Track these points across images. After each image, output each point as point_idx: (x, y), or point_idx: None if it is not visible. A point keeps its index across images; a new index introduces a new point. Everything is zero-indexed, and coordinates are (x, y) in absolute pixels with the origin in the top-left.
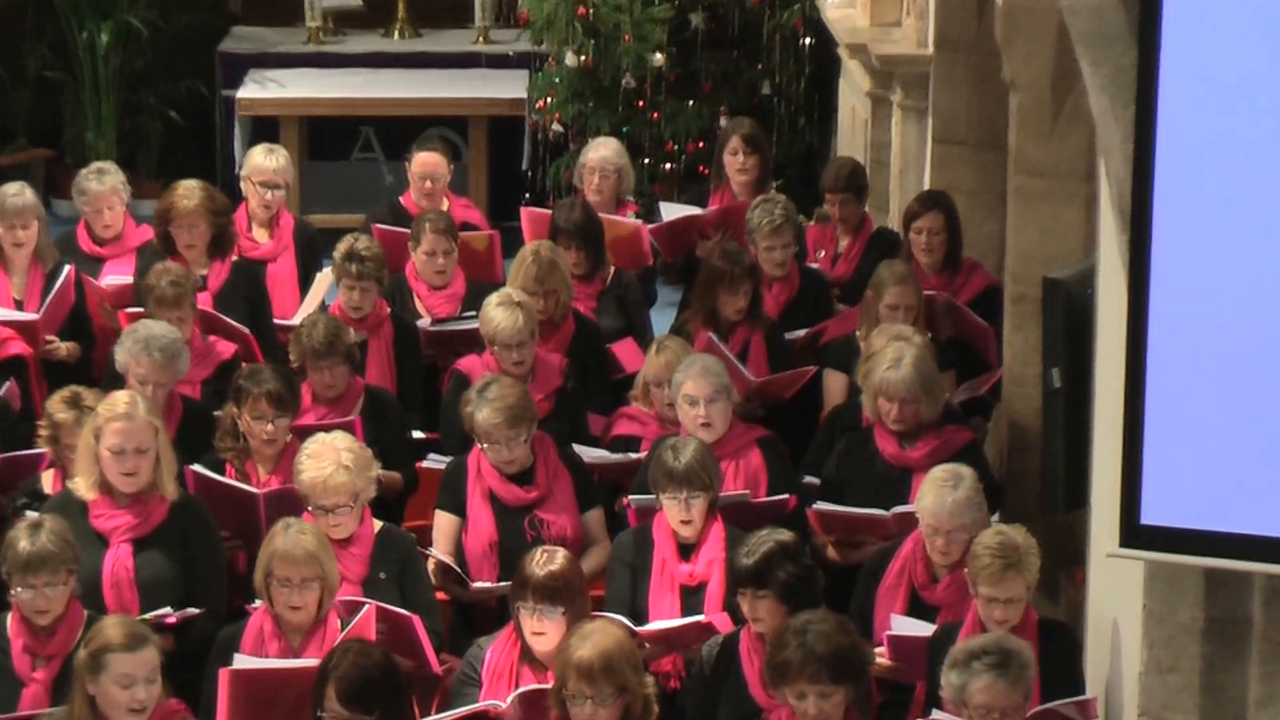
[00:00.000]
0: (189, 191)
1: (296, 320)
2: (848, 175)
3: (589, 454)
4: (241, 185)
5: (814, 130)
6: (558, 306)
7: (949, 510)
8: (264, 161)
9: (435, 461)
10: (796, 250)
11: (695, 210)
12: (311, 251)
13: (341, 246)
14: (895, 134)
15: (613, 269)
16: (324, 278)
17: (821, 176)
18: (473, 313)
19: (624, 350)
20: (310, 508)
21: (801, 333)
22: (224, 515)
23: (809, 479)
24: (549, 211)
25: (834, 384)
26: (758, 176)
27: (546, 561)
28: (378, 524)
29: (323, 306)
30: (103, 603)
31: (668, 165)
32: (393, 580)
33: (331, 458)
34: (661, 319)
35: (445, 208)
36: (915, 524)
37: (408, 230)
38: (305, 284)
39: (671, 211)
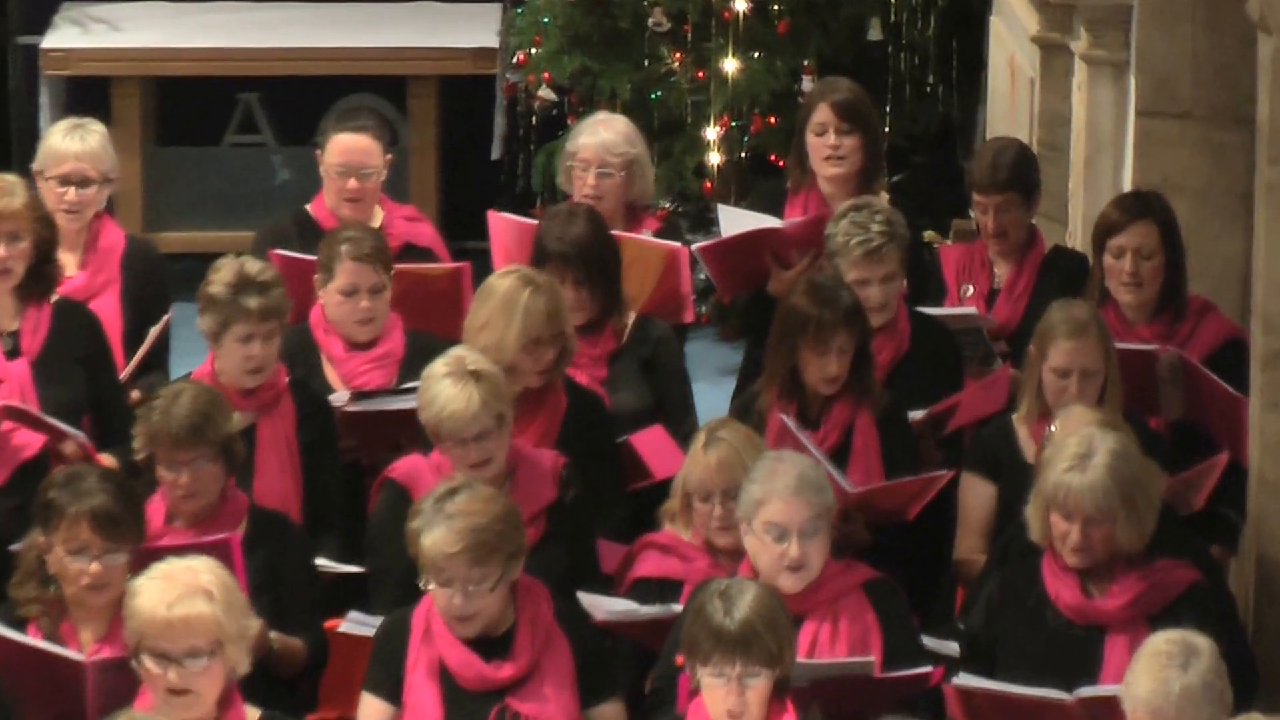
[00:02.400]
0: (7, 187)
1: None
2: (1009, 167)
3: (600, 607)
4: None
5: (951, 96)
6: (560, 362)
7: (1175, 705)
8: (65, 145)
9: (358, 625)
10: (904, 285)
11: (768, 220)
12: (153, 289)
13: (222, 272)
14: (1078, 102)
15: (633, 315)
16: (157, 329)
17: (966, 168)
18: (413, 384)
19: (651, 443)
20: (145, 663)
21: (918, 414)
22: (34, 695)
23: (942, 642)
24: (533, 221)
25: (976, 496)
26: (860, 167)
27: None
28: (255, 716)
29: (165, 373)
30: None
31: (720, 153)
32: None
33: (185, 581)
34: (714, 393)
35: (376, 221)
36: (1112, 716)
37: (316, 258)
38: (135, 342)
39: (732, 222)
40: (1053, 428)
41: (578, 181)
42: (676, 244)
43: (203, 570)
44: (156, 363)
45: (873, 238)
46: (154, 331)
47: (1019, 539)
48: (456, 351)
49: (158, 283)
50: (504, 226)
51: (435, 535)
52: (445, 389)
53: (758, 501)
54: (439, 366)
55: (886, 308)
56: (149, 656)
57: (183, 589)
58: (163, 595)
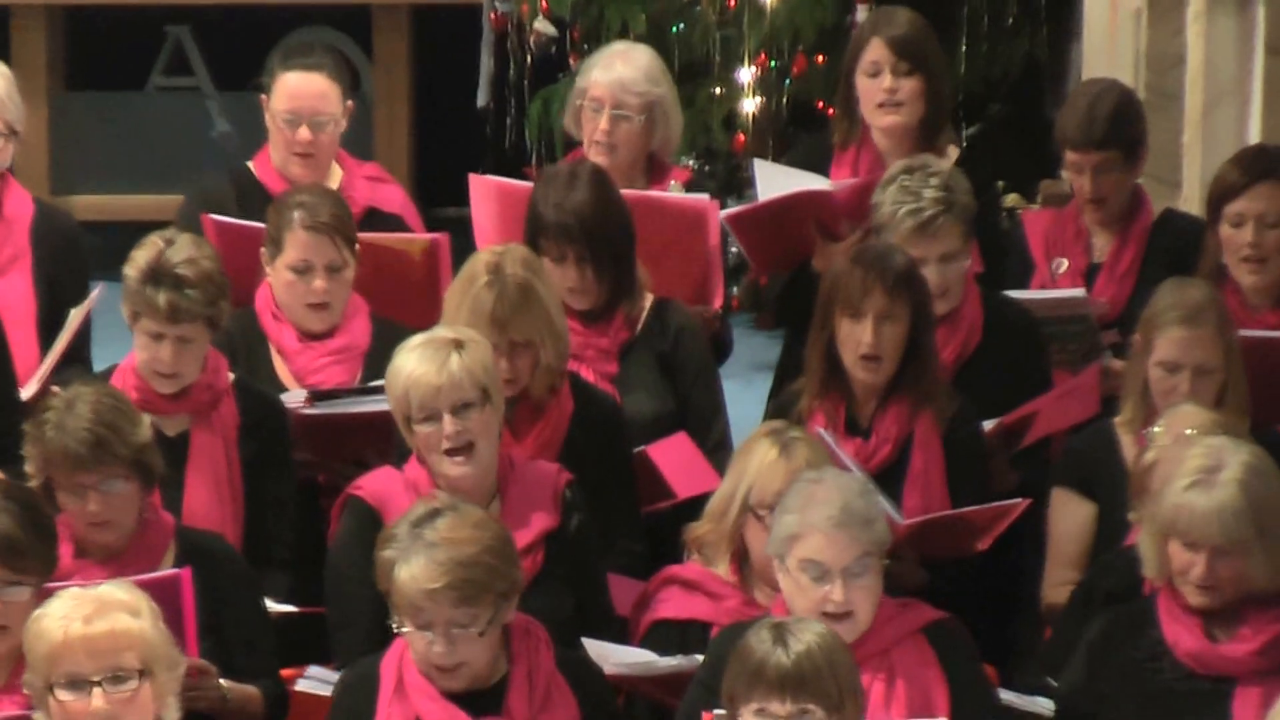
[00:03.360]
0: None
1: (30, 393)
2: (1108, 118)
3: (610, 657)
4: None
5: (1038, 32)
6: (538, 372)
7: None
8: None
9: (319, 683)
10: (971, 265)
11: (814, 181)
12: (70, 265)
13: (138, 258)
14: (1194, 37)
15: (649, 298)
16: (79, 314)
17: (1056, 120)
18: (381, 382)
19: (672, 455)
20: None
21: (989, 424)
22: None
23: (1028, 699)
24: (527, 185)
25: (1070, 518)
26: (922, 117)
27: None
28: None
29: (85, 367)
30: None
31: (756, 99)
32: None
33: (101, 596)
34: (747, 394)
35: (334, 182)
36: None
37: (264, 225)
38: (52, 329)
39: (771, 182)
40: (1155, 428)
41: (587, 125)
42: (704, 198)
43: (119, 588)
44: (77, 355)
45: (924, 206)
46: (75, 316)
47: (1112, 572)
48: (435, 328)
49: (76, 258)
50: (488, 192)
51: (413, 568)
52: (416, 354)
53: (793, 535)
54: (413, 339)
55: (948, 294)
56: (62, 688)
57: (99, 604)
58: (77, 610)
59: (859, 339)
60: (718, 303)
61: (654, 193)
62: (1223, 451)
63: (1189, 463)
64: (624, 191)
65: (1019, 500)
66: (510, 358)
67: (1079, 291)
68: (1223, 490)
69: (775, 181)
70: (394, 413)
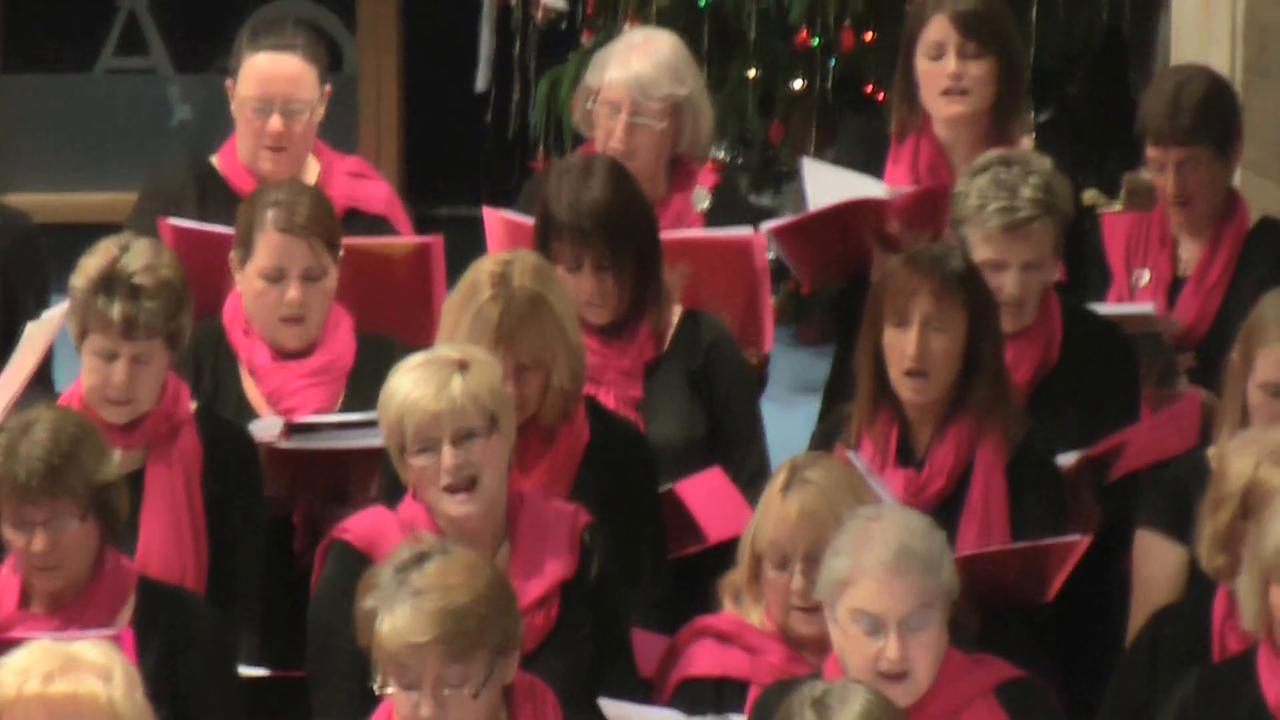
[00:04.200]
0: None
1: None
2: (1195, 108)
3: (632, 719)
4: None
5: (1119, 1)
6: (550, 395)
7: None
8: None
9: None
10: (1054, 278)
11: (867, 188)
12: (27, 271)
13: (88, 266)
14: None
15: (678, 310)
16: (42, 330)
17: (1139, 106)
18: (370, 414)
19: (704, 492)
20: None
21: (1070, 457)
22: None
23: None
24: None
25: (1158, 563)
26: (992, 104)
27: None
28: None
29: (47, 390)
30: None
31: (798, 83)
32: None
33: (66, 653)
34: (787, 419)
35: (311, 178)
36: None
37: (231, 229)
38: (5, 345)
39: (821, 184)
40: (1226, 455)
41: (600, 129)
42: (746, 231)
43: (95, 648)
44: (40, 376)
45: (1020, 206)
46: (38, 331)
47: (1177, 623)
48: (437, 347)
49: (34, 264)
50: (507, 228)
51: (396, 619)
52: (414, 376)
53: (843, 581)
54: (411, 359)
55: (1024, 307)
56: None
57: (66, 662)
58: (40, 666)
59: (903, 350)
60: (768, 345)
61: (684, 233)
62: None
63: None
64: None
65: (1076, 538)
66: (518, 380)
67: (1148, 306)
68: None
69: (827, 184)
70: (387, 443)
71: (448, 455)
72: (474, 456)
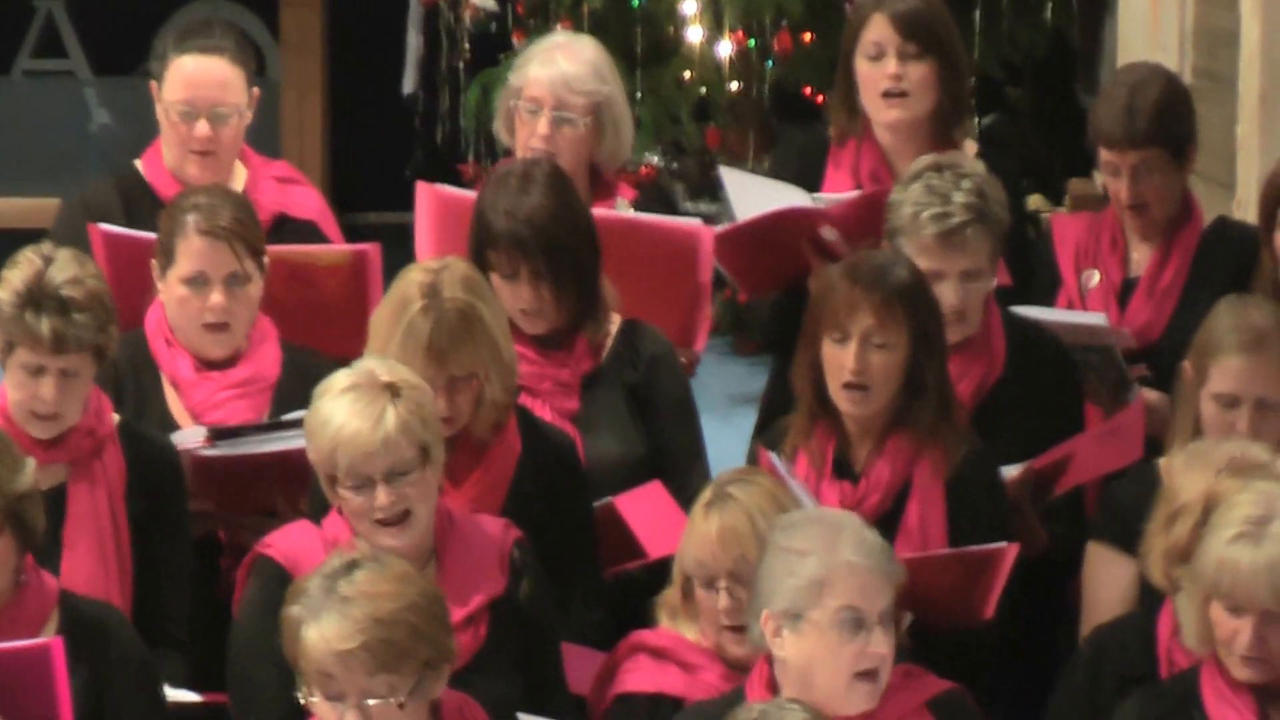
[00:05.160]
0: None
1: None
2: (1151, 112)
3: None
4: None
5: (1065, 7)
6: (482, 408)
7: None
8: None
9: None
10: (993, 286)
11: (795, 197)
12: None
13: (12, 279)
14: (1249, 12)
15: (617, 321)
16: None
17: (1089, 109)
18: (300, 414)
19: (644, 507)
20: None
21: (1013, 470)
22: None
23: None
24: (469, 196)
25: (1109, 577)
26: (934, 108)
27: None
28: None
29: None
30: None
31: (734, 84)
32: None
33: None
34: (726, 432)
35: (239, 184)
36: None
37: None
38: None
39: (743, 195)
40: (1168, 466)
41: (522, 130)
42: (697, 223)
43: None
44: None
45: (954, 212)
46: None
47: (1122, 647)
48: (365, 363)
49: None
50: (440, 196)
51: (323, 627)
52: (345, 405)
53: (820, 581)
54: (338, 379)
55: (967, 316)
56: None
57: None
58: None
59: (842, 363)
60: (700, 344)
61: (636, 215)
62: (1274, 499)
63: (1236, 510)
64: (598, 212)
65: (1002, 544)
66: (449, 393)
67: (1099, 317)
68: (1272, 545)
69: (750, 193)
70: (315, 468)
71: (382, 495)
72: (407, 491)
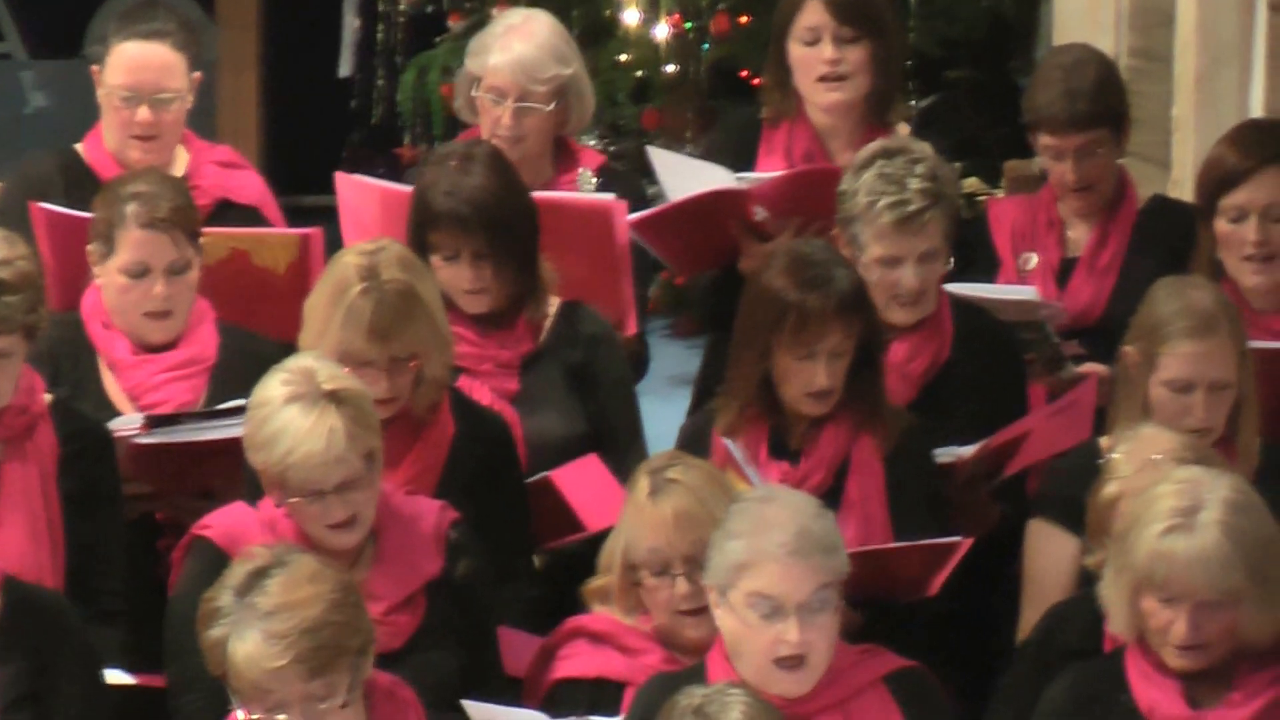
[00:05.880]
0: None
1: None
2: (1092, 93)
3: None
4: None
5: None
6: (421, 388)
7: None
8: None
9: None
10: (951, 263)
11: (719, 178)
12: None
13: None
14: None
15: (556, 302)
16: None
17: (1025, 91)
18: (237, 402)
19: (581, 480)
20: None
21: (965, 450)
22: None
23: None
24: (397, 190)
25: (1051, 554)
26: (869, 90)
27: None
28: None
29: None
30: None
31: (671, 67)
32: None
33: None
34: (665, 411)
35: (180, 168)
36: None
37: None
38: None
39: (672, 176)
40: (1115, 454)
41: (486, 117)
42: (608, 198)
43: None
44: None
45: (910, 199)
46: None
47: (1070, 623)
48: (300, 362)
49: None
50: (362, 188)
51: (249, 646)
52: (292, 421)
53: (740, 564)
54: (277, 386)
55: (925, 298)
56: None
57: None
58: None
59: (811, 380)
60: (632, 327)
61: (550, 194)
62: (1200, 487)
63: (1162, 502)
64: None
65: (956, 539)
66: (390, 374)
67: (1029, 291)
68: (1205, 534)
69: (679, 174)
70: (259, 471)
71: (336, 507)
72: (357, 497)
